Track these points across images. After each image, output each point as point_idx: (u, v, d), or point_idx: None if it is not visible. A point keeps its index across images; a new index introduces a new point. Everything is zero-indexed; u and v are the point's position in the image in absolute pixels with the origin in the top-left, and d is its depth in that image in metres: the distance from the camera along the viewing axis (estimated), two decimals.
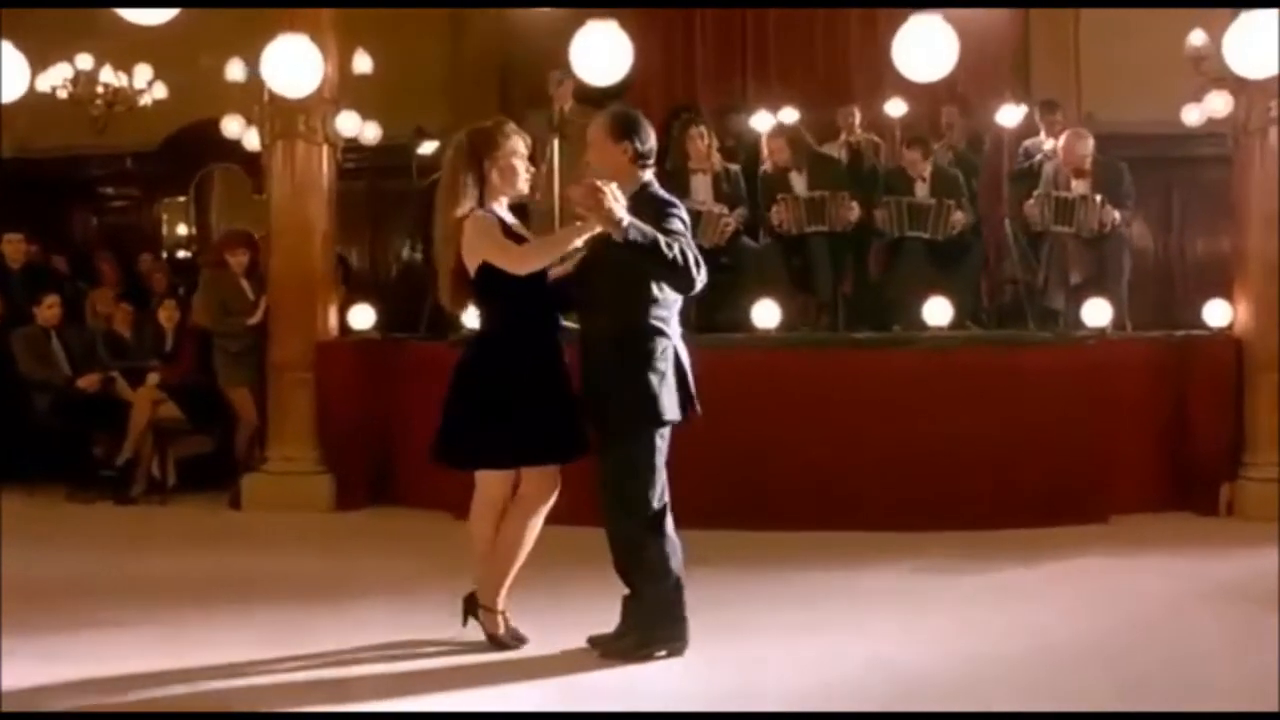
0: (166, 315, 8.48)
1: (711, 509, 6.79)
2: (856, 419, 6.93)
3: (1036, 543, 6.39)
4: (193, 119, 11.46)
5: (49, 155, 11.86)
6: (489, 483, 4.60)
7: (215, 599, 5.47)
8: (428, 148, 9.46)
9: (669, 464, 4.50)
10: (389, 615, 5.15)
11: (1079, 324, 7.52)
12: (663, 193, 4.48)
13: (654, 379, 4.34)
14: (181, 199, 12.54)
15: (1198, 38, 7.48)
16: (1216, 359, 7.09)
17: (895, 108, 9.54)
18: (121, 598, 5.49)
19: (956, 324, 7.79)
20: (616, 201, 4.11)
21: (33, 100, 9.06)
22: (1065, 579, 5.79)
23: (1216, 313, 7.23)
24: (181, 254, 12.36)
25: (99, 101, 10.39)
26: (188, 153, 11.93)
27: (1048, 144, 8.74)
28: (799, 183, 8.24)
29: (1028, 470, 6.84)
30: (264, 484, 7.78)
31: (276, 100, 7.82)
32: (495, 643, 4.62)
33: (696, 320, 8.24)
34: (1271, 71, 6.22)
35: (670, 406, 4.38)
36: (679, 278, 4.26)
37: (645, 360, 4.35)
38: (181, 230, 12.82)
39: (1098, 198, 7.99)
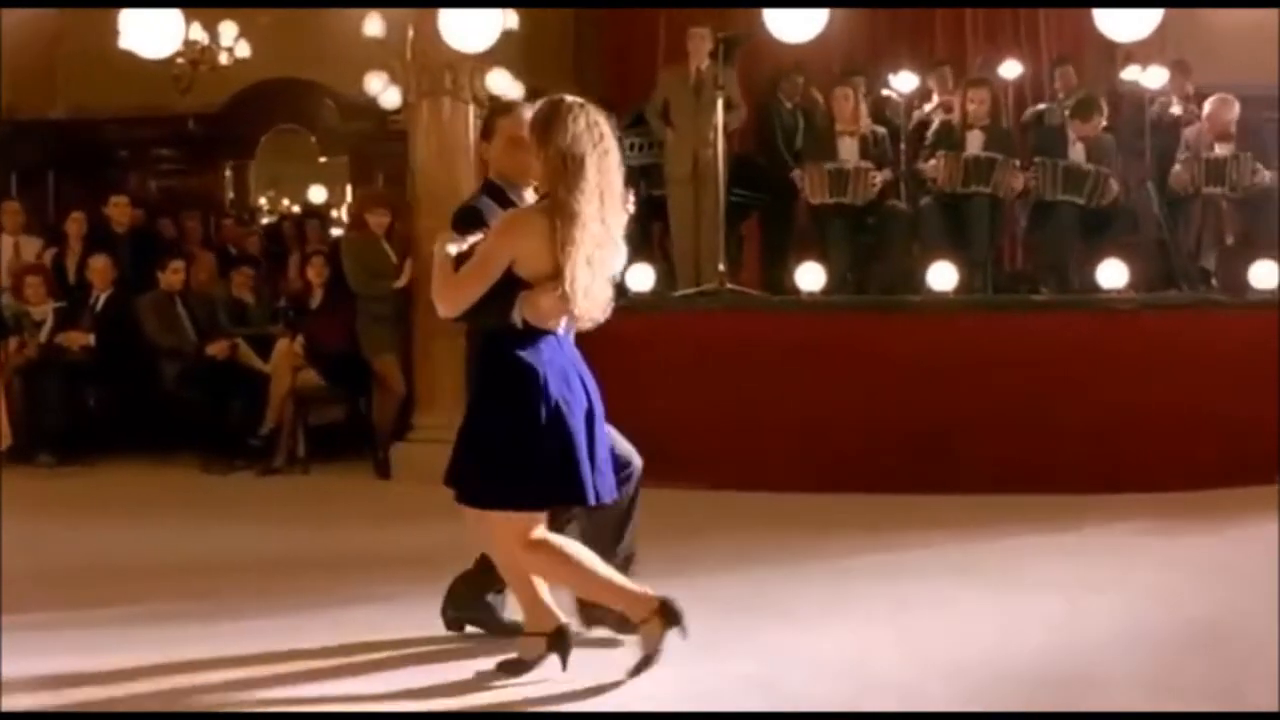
0: (315, 272, 8.10)
1: (890, 473, 6.81)
2: (1036, 383, 6.85)
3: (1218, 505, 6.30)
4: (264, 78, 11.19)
5: (103, 116, 11.49)
6: None
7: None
8: None
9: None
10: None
11: (1239, 285, 7.49)
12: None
13: None
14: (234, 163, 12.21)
15: None
16: None
17: (1009, 70, 9.44)
18: (367, 572, 5.29)
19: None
20: None
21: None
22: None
23: None
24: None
25: (181, 60, 9.98)
26: (251, 114, 11.60)
27: (1175, 107, 8.71)
28: (975, 142, 8.05)
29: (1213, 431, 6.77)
30: (413, 453, 7.55)
31: (420, 57, 7.58)
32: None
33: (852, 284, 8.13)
34: None
35: None
36: None
37: None
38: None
39: (1248, 154, 7.97)
